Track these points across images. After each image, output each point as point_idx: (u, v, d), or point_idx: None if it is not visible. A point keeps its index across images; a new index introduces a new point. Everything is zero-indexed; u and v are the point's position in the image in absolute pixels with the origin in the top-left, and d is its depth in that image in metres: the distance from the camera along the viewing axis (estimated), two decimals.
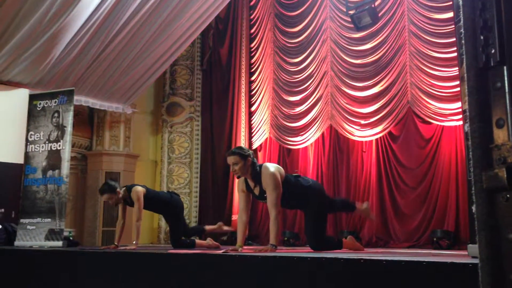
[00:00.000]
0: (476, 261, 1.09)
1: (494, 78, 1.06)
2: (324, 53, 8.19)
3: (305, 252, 4.00)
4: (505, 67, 1.05)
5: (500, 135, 1.03)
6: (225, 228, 6.05)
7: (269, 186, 4.02)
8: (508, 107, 1.03)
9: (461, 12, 1.12)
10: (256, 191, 4.18)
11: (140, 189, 5.36)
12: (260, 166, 4.17)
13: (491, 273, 1.00)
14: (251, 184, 4.20)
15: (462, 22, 1.12)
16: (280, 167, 4.27)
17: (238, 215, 4.29)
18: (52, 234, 6.08)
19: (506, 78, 1.04)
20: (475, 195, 1.05)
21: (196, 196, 9.23)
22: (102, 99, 8.34)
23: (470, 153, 1.09)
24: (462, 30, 1.11)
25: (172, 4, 7.45)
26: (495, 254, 1.00)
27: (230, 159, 4.15)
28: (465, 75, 1.09)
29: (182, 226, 5.80)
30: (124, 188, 5.47)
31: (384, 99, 7.43)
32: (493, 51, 1.05)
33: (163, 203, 5.65)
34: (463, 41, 1.11)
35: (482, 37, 1.06)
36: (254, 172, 4.11)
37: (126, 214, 5.50)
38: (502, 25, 1.04)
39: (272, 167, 4.12)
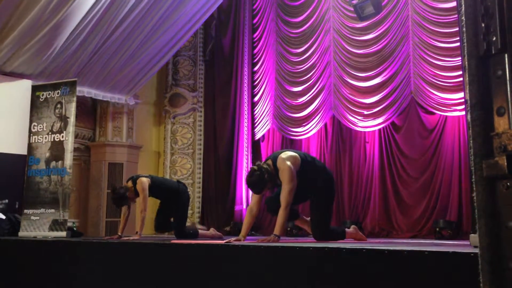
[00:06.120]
0: (477, 250, 1.09)
1: (495, 66, 1.05)
2: (327, 43, 8.16)
3: (308, 242, 4.01)
4: (506, 55, 1.04)
5: (500, 123, 1.03)
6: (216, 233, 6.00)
7: (284, 179, 4.03)
8: (509, 95, 1.02)
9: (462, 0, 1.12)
10: (278, 181, 4.18)
11: (144, 180, 5.36)
12: (275, 158, 4.15)
13: (491, 261, 1.00)
14: None
15: (463, 9, 1.11)
16: (295, 154, 4.23)
17: (249, 207, 4.28)
18: (56, 225, 6.11)
19: (507, 66, 1.04)
20: (475, 183, 1.05)
21: (199, 187, 9.25)
22: (104, 90, 8.34)
23: (471, 141, 1.08)
24: (463, 18, 1.10)
25: None
26: (495, 242, 1.00)
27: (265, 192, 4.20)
28: (466, 63, 1.09)
29: (186, 217, 5.80)
30: (130, 180, 5.48)
31: (387, 89, 7.40)
32: (494, 38, 1.04)
33: (170, 191, 5.63)
34: (464, 29, 1.10)
35: (483, 25, 1.06)
36: (273, 176, 4.12)
37: (131, 205, 5.52)
38: (504, 12, 1.04)
39: (287, 160, 4.09)
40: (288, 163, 4.05)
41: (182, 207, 5.70)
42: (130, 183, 5.43)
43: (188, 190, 6.06)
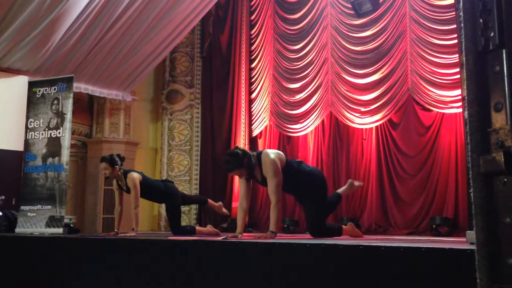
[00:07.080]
0: (474, 247, 1.09)
1: (493, 62, 1.05)
2: (324, 40, 8.15)
3: (304, 239, 4.01)
4: (504, 51, 1.04)
5: (498, 119, 1.02)
6: (224, 210, 6.04)
7: (269, 174, 4.02)
8: (506, 91, 1.02)
9: None
10: (258, 176, 4.18)
11: (136, 176, 5.35)
12: (260, 152, 4.17)
13: (487, 257, 1.00)
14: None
15: (461, 5, 1.11)
16: (281, 152, 4.27)
17: (239, 202, 4.29)
18: (52, 221, 6.09)
19: (505, 62, 1.03)
20: (472, 179, 1.05)
21: (196, 184, 9.24)
22: (101, 86, 8.31)
23: (468, 137, 1.08)
24: (461, 14, 1.10)
25: None
26: (492, 238, 1.00)
27: (236, 174, 4.27)
28: (464, 59, 1.09)
29: (180, 213, 5.83)
30: (121, 171, 5.46)
31: (384, 86, 7.41)
32: (492, 34, 1.04)
33: (157, 193, 5.65)
34: (462, 25, 1.10)
35: (481, 21, 1.05)
36: (253, 165, 4.12)
37: (123, 200, 5.50)
38: (502, 8, 1.03)
39: (272, 153, 4.11)
40: (273, 156, 4.07)
41: (175, 204, 5.71)
42: (120, 173, 5.45)
43: (182, 185, 6.07)
